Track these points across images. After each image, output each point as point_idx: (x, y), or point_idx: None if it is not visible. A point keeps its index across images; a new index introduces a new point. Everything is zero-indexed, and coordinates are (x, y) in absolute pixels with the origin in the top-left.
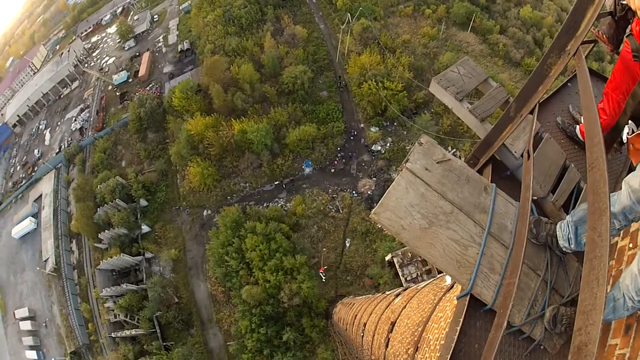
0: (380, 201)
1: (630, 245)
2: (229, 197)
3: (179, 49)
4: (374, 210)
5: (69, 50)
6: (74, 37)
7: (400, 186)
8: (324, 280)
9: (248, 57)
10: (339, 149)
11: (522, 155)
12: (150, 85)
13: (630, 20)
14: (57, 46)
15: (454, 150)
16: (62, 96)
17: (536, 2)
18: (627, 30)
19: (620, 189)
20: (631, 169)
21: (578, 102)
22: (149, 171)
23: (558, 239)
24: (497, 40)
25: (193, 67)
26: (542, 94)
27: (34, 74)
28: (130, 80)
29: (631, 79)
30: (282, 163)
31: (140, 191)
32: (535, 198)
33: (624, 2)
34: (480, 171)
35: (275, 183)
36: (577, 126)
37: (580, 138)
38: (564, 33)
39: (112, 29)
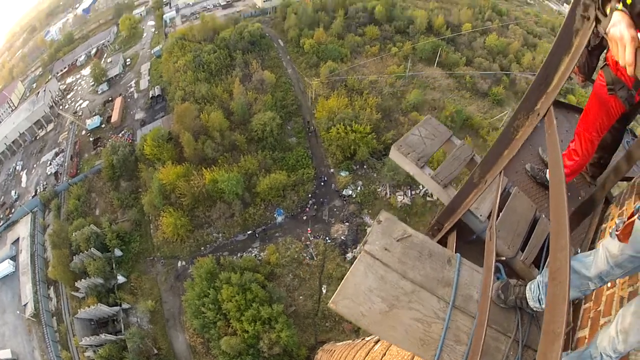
0: (338, 289)
1: (609, 284)
2: (202, 248)
3: (150, 95)
4: (331, 299)
5: (44, 90)
6: (50, 77)
7: (359, 271)
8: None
9: (217, 104)
10: (309, 195)
11: (488, 218)
12: (123, 132)
13: (606, 49)
14: (34, 84)
15: (426, 188)
16: (38, 137)
17: (502, 29)
18: (601, 61)
19: (594, 246)
20: (609, 199)
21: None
22: (122, 221)
23: (528, 300)
24: (464, 73)
25: (164, 114)
26: (509, 159)
27: (12, 110)
28: (103, 125)
29: (605, 115)
30: (254, 212)
31: (115, 241)
32: (504, 258)
33: (600, 30)
34: (445, 237)
35: (248, 232)
36: (548, 170)
37: None
38: (533, 91)
39: (86, 71)
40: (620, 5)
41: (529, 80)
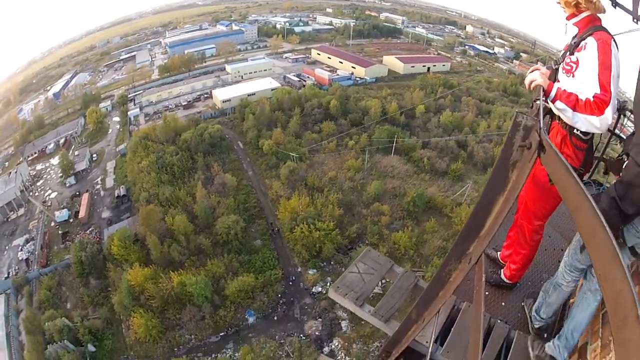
0: None
1: None
2: (175, 349)
3: (116, 194)
4: None
5: (16, 172)
6: (21, 159)
7: None
8: None
9: (181, 207)
10: (279, 295)
11: (436, 341)
12: (90, 229)
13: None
14: (7, 163)
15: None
16: (9, 219)
17: (454, 103)
18: None
19: None
20: None
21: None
22: (94, 317)
23: None
24: (421, 156)
25: (130, 215)
26: (445, 299)
27: None
28: (71, 220)
29: (548, 203)
30: (224, 314)
31: (88, 336)
32: None
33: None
34: None
35: (221, 334)
36: (501, 270)
37: (507, 281)
38: (465, 235)
39: (55, 160)
40: None
41: (486, 148)
